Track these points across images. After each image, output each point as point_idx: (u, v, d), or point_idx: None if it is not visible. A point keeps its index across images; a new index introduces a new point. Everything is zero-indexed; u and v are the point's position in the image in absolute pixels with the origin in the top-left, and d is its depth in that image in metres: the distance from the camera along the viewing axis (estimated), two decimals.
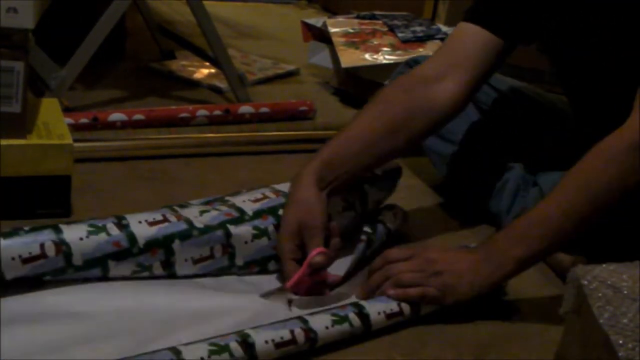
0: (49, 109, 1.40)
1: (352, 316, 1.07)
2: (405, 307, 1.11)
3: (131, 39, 2.33)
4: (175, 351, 0.92)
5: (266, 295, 1.12)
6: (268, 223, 1.18)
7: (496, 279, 1.13)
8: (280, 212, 1.18)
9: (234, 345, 0.95)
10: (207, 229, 1.13)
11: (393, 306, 1.11)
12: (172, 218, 1.12)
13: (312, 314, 1.06)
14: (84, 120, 1.70)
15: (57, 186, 1.29)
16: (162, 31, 2.33)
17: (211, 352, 0.93)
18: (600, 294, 0.80)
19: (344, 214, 1.25)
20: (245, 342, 0.96)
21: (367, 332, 1.08)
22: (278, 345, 0.99)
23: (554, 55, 1.38)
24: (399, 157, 1.36)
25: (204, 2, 1.92)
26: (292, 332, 1.00)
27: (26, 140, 1.26)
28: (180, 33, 2.35)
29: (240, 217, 1.17)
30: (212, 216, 1.16)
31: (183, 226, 1.11)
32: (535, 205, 1.17)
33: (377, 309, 1.10)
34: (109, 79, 2.09)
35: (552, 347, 1.10)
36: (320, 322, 1.04)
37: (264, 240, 1.17)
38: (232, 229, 1.15)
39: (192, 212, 1.16)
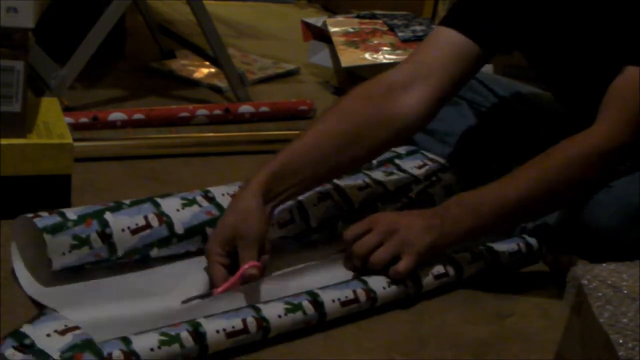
0: (49, 108, 1.40)
1: (306, 304, 1.06)
2: (361, 295, 1.11)
3: (131, 39, 2.33)
4: (126, 341, 0.92)
5: (189, 300, 1.07)
6: None
7: (443, 244, 1.16)
8: None
9: (185, 335, 0.95)
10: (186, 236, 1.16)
11: (348, 293, 1.10)
12: (155, 222, 1.14)
13: (265, 302, 1.05)
14: (84, 119, 1.70)
15: (57, 185, 1.29)
16: (162, 31, 2.33)
17: (162, 343, 0.93)
18: (600, 294, 0.80)
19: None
20: (197, 332, 0.96)
21: (321, 321, 1.08)
22: (230, 334, 0.98)
23: (538, 64, 1.39)
24: (359, 167, 1.30)
25: (204, 2, 1.92)
26: (244, 320, 1.00)
27: (26, 140, 1.26)
28: (180, 32, 2.36)
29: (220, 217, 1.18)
30: (193, 213, 1.17)
31: (164, 233, 1.14)
32: (492, 183, 1.18)
33: (332, 296, 1.09)
34: (109, 79, 2.09)
35: (552, 347, 1.10)
36: (273, 311, 1.03)
37: None
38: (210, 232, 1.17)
39: (173, 205, 1.18)
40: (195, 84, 2.14)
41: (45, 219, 1.08)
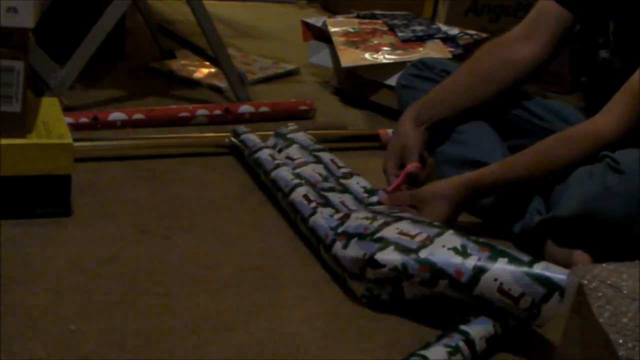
0: (49, 108, 1.40)
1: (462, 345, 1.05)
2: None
3: (131, 39, 2.33)
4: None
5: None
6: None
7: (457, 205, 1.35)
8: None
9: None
10: None
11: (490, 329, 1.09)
12: None
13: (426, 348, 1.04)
14: (84, 119, 1.70)
15: (57, 186, 1.29)
16: (162, 31, 2.33)
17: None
18: (600, 294, 0.80)
19: None
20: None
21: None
22: None
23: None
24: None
25: (204, 2, 1.93)
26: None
27: (26, 140, 1.26)
28: (180, 33, 2.36)
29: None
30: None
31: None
32: (495, 164, 1.38)
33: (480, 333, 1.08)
34: (109, 79, 2.09)
35: (552, 347, 1.10)
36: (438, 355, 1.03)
37: None
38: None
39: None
40: (195, 84, 2.14)
41: None
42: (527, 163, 1.35)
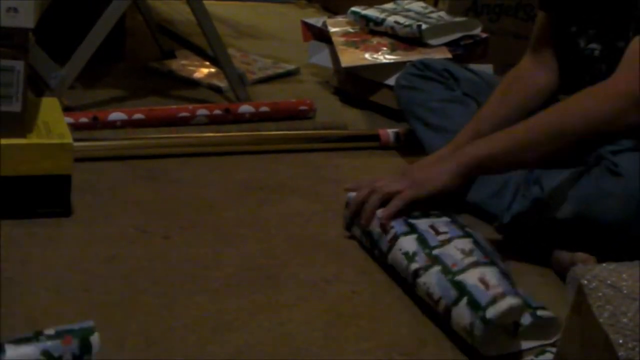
0: (49, 108, 1.40)
1: None
2: None
3: (131, 39, 2.33)
4: None
5: None
6: None
7: (457, 169, 1.27)
8: None
9: None
10: None
11: None
12: None
13: None
14: (84, 119, 1.70)
15: (57, 185, 1.29)
16: (162, 30, 2.33)
17: None
18: (600, 294, 0.80)
19: None
20: None
21: None
22: None
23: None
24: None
25: (204, 2, 1.93)
26: None
27: (26, 140, 1.26)
28: (180, 32, 2.36)
29: None
30: None
31: None
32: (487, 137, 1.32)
33: None
34: (109, 79, 2.09)
35: (551, 347, 1.10)
36: None
37: None
38: None
39: None
40: (195, 84, 2.14)
41: None
42: (539, 121, 1.26)
